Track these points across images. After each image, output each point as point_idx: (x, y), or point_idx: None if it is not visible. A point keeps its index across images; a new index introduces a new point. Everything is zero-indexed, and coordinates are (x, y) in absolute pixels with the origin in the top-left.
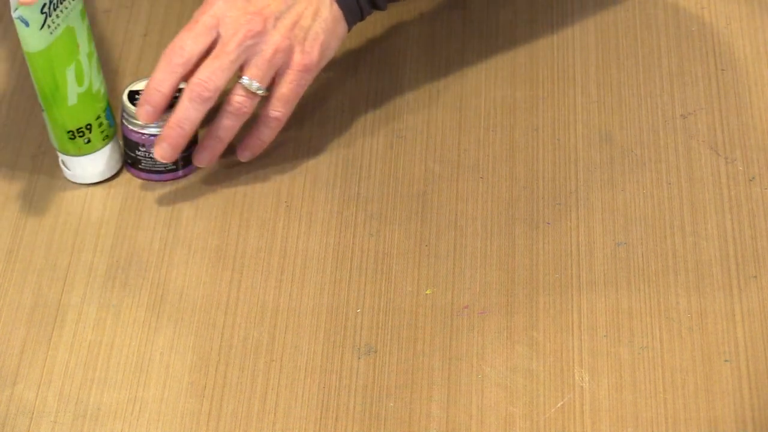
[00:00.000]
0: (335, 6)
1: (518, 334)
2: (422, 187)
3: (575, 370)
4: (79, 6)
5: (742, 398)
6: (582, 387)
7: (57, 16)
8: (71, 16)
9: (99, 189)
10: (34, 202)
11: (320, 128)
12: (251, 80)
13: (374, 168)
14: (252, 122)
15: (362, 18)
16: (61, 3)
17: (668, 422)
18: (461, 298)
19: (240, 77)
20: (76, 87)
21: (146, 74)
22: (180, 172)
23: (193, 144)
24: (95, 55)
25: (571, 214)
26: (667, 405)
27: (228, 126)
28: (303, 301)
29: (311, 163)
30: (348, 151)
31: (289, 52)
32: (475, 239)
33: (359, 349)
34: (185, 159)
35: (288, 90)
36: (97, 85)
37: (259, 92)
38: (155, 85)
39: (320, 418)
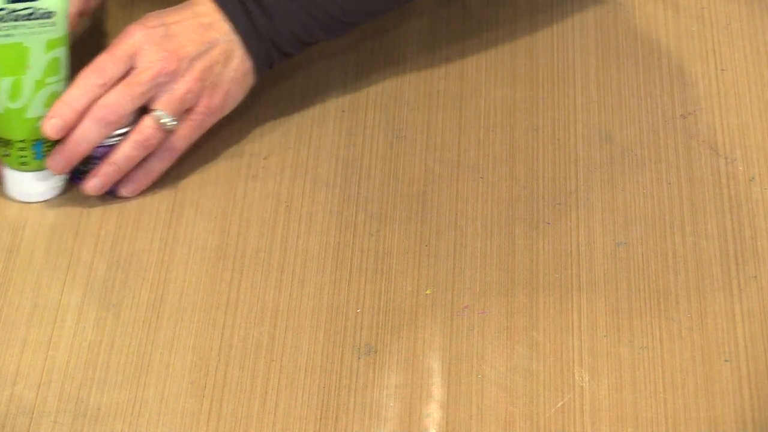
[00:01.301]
0: (246, 58)
1: (518, 334)
2: (422, 187)
3: (575, 370)
4: (47, 38)
5: (742, 398)
6: (582, 387)
7: (6, 26)
8: (29, 38)
9: None
10: (34, 202)
11: (320, 128)
12: (164, 113)
13: (374, 168)
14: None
15: (272, 67)
16: (16, 20)
17: (668, 422)
18: (461, 298)
19: (151, 110)
20: (7, 99)
21: None
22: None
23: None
24: (49, 90)
25: (571, 214)
26: (667, 405)
27: (131, 156)
28: (303, 301)
29: (311, 163)
30: (348, 151)
31: (198, 94)
32: (475, 239)
33: (359, 349)
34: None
35: (189, 130)
36: (34, 114)
37: (170, 126)
38: (69, 100)
39: (320, 418)
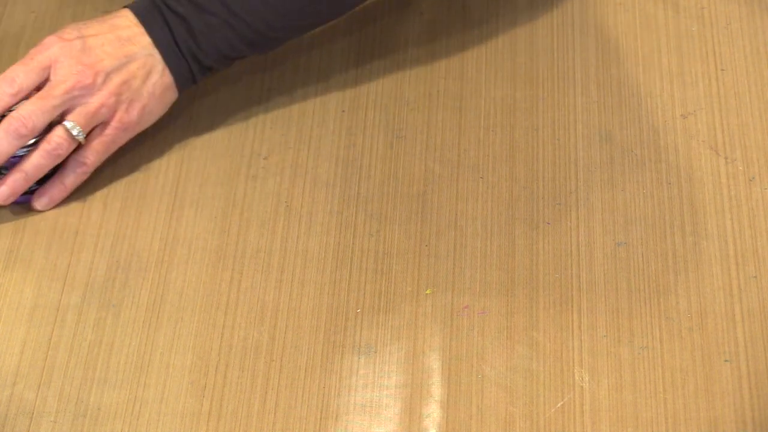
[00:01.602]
0: (167, 72)
1: (518, 334)
2: (422, 187)
3: (575, 370)
4: None
5: (742, 398)
6: (582, 387)
7: None
8: None
9: (99, 189)
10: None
11: (320, 128)
12: (74, 125)
13: (374, 168)
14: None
15: (195, 82)
16: None
17: (668, 422)
18: (461, 298)
19: (61, 121)
20: None
21: None
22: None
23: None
24: None
25: (571, 214)
26: (667, 405)
27: (40, 165)
28: (303, 301)
29: (311, 163)
30: (348, 151)
31: (112, 108)
32: (475, 239)
33: (359, 349)
34: (48, 178)
35: (102, 144)
36: None
37: (79, 138)
38: None
39: (320, 418)
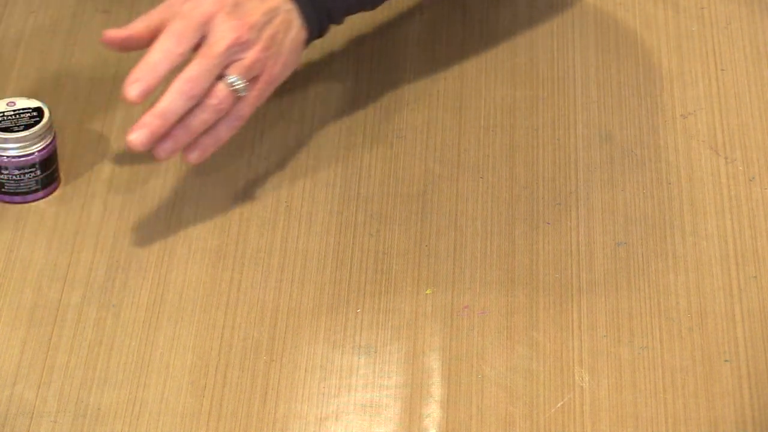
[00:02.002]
0: (303, 26)
1: (518, 334)
2: (422, 187)
3: (575, 370)
4: None
5: (742, 398)
6: (582, 387)
7: None
8: None
9: (99, 189)
10: (34, 202)
11: (320, 128)
12: (237, 79)
13: (374, 168)
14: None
15: (320, 37)
16: None
17: (668, 422)
18: (461, 298)
19: (223, 76)
20: None
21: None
22: (40, 194)
23: (56, 164)
24: None
25: (571, 214)
26: (667, 405)
27: (204, 120)
28: (303, 301)
29: (311, 163)
30: (348, 151)
31: (264, 63)
32: (475, 239)
33: (359, 349)
34: (47, 178)
35: (254, 97)
36: None
37: (242, 92)
38: (151, 64)
39: (320, 418)
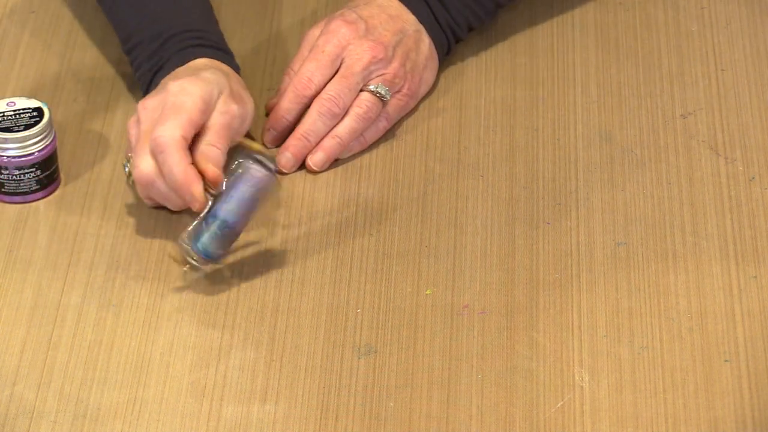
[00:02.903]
0: (431, 45)
1: (518, 334)
2: (422, 187)
3: (575, 370)
4: None
5: (742, 398)
6: (582, 387)
7: None
8: None
9: (99, 189)
10: (34, 202)
11: None
12: (380, 85)
13: (374, 168)
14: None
15: (449, 53)
16: None
17: (668, 422)
18: (461, 298)
19: (366, 88)
20: None
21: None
22: (40, 194)
23: (56, 164)
24: None
25: (571, 214)
26: (667, 405)
27: (354, 129)
28: (303, 301)
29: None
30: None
31: (403, 78)
32: (475, 238)
33: (359, 349)
34: (47, 178)
35: (395, 110)
36: None
37: (386, 97)
38: (284, 114)
39: (320, 418)
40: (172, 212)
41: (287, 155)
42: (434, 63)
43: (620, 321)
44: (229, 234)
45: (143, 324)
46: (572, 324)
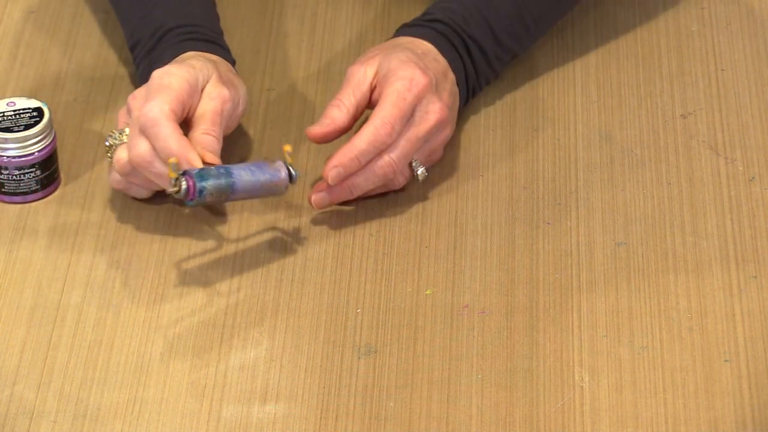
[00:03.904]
0: (460, 104)
1: (518, 334)
2: (422, 187)
3: (575, 370)
4: None
5: (742, 398)
6: (582, 387)
7: None
8: None
9: (99, 189)
10: (34, 202)
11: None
12: (420, 166)
13: None
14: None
15: (466, 102)
16: None
17: (668, 422)
18: (461, 298)
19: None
20: None
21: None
22: (40, 194)
23: (56, 164)
24: None
25: (571, 214)
26: (667, 405)
27: (371, 190)
28: (303, 301)
29: (311, 163)
30: None
31: (444, 144)
32: (475, 238)
33: (359, 349)
34: (47, 178)
35: (423, 174)
36: None
37: (421, 178)
38: (359, 155)
39: (320, 418)
40: (172, 212)
41: (323, 197)
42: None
43: (620, 321)
44: (225, 196)
45: (143, 324)
46: (572, 324)
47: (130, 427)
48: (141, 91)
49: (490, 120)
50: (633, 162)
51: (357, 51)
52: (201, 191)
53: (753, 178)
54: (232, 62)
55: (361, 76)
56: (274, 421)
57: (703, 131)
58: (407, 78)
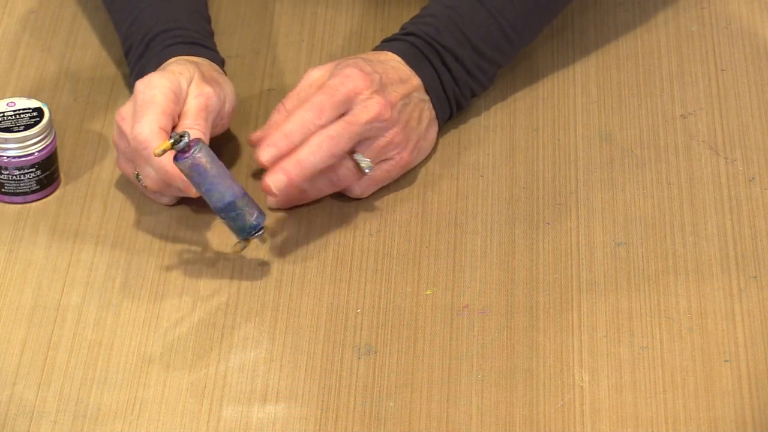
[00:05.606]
0: (433, 114)
1: (518, 334)
2: (422, 187)
3: (575, 370)
4: None
5: (742, 398)
6: (582, 387)
7: None
8: None
9: (99, 189)
10: (34, 202)
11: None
12: (365, 159)
13: None
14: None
15: (450, 119)
16: None
17: (668, 422)
18: (461, 298)
19: (353, 152)
20: None
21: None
22: (40, 194)
23: (56, 164)
24: None
25: (571, 214)
26: (667, 405)
27: (322, 190)
28: (303, 301)
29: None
30: None
31: (397, 146)
32: (475, 238)
33: (359, 349)
34: (47, 178)
35: (381, 176)
36: None
37: (367, 171)
38: (287, 134)
39: (320, 418)
40: (172, 212)
41: (279, 177)
42: (433, 133)
43: (620, 321)
44: (204, 175)
45: (143, 324)
46: (572, 324)
47: (130, 427)
48: (128, 110)
49: (490, 120)
50: (633, 162)
51: (357, 51)
52: (250, 228)
53: (753, 178)
54: (220, 61)
55: (309, 79)
56: (274, 421)
57: (703, 131)
58: (343, 75)
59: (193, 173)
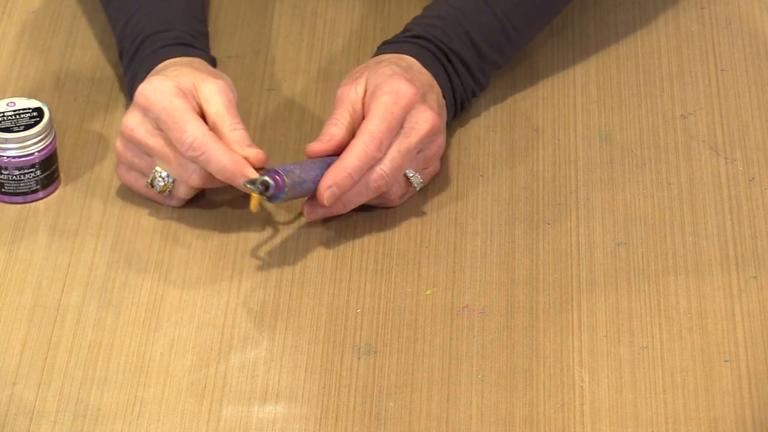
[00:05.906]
0: (447, 119)
1: (518, 334)
2: (422, 187)
3: (575, 370)
4: None
5: (742, 398)
6: (582, 387)
7: None
8: None
9: (99, 189)
10: (34, 202)
11: (320, 128)
12: (416, 175)
13: None
14: None
15: (455, 116)
16: None
17: (668, 422)
18: (461, 298)
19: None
20: None
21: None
22: (40, 194)
23: (56, 164)
24: None
25: (571, 214)
26: (667, 405)
27: (364, 201)
28: (303, 301)
29: None
30: None
31: (437, 156)
32: (475, 238)
33: (359, 349)
34: (47, 178)
35: (419, 183)
36: None
37: (418, 188)
38: (351, 173)
39: (320, 418)
40: (173, 212)
41: (317, 210)
42: (445, 136)
43: (620, 321)
44: (299, 187)
45: (143, 324)
46: (572, 324)
47: (130, 427)
48: (136, 118)
49: (490, 120)
50: (633, 162)
51: (357, 51)
52: (284, 184)
53: (753, 178)
54: (211, 61)
55: (353, 96)
56: (274, 421)
57: (703, 131)
58: (393, 91)
59: (295, 193)
